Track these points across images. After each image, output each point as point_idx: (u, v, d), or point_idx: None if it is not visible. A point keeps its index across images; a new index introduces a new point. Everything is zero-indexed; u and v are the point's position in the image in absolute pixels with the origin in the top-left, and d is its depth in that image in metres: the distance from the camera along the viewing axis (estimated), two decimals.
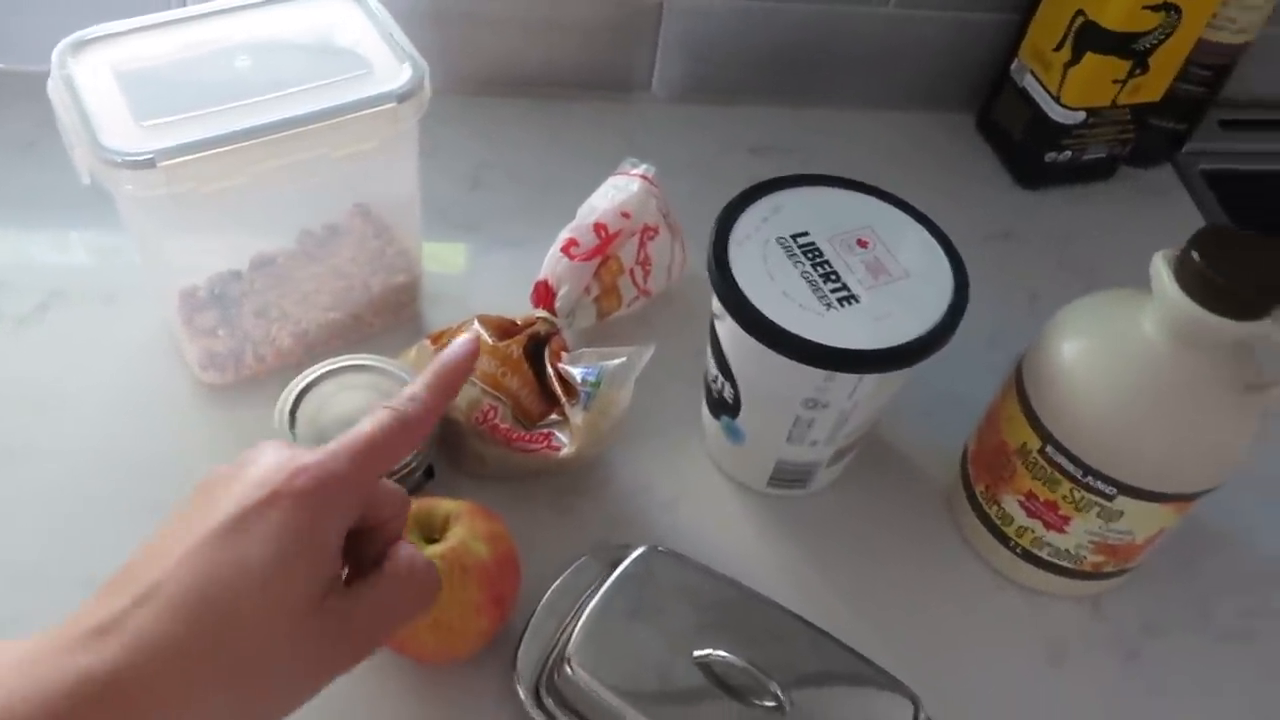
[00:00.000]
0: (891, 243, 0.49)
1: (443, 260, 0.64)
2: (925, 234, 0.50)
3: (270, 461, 0.32)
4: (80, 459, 0.52)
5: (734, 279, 0.46)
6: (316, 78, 0.48)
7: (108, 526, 0.50)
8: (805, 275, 0.47)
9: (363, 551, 0.34)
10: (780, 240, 0.48)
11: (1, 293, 0.58)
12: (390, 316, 0.59)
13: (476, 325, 0.53)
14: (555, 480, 0.53)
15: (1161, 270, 0.43)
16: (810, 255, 0.48)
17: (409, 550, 0.35)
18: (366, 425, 0.33)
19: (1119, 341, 0.45)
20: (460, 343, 0.37)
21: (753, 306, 0.45)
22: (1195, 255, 0.41)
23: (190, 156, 0.44)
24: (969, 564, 0.54)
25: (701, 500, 0.54)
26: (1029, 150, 0.73)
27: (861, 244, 0.49)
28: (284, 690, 0.31)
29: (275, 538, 0.30)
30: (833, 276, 0.47)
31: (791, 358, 0.45)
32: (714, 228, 0.48)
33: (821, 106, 0.79)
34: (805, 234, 0.49)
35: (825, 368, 0.45)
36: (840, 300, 0.46)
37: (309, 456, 0.32)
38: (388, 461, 0.34)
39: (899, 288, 0.47)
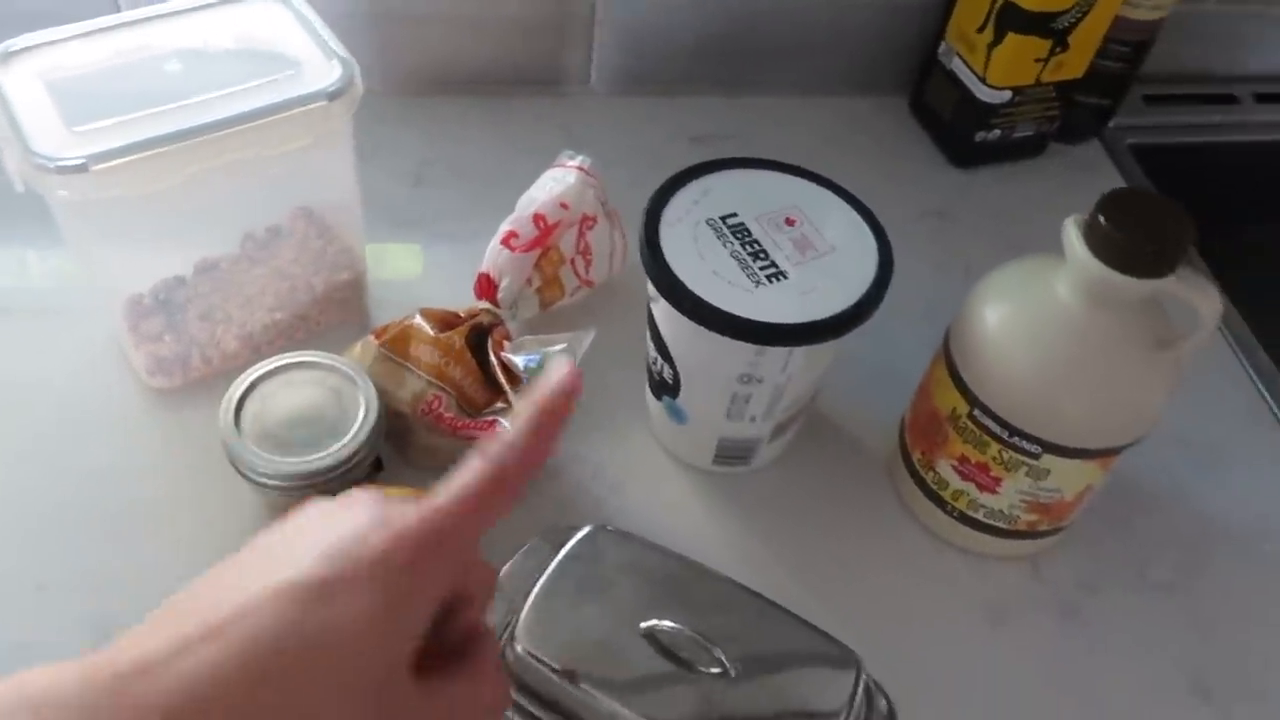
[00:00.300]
0: (818, 220, 0.50)
1: (388, 258, 0.65)
2: (851, 211, 0.51)
3: (364, 519, 0.29)
4: (31, 468, 0.52)
5: (665, 260, 0.47)
6: (247, 80, 0.48)
7: (60, 534, 0.51)
8: (734, 254, 0.48)
9: (444, 630, 0.31)
10: (710, 221, 0.50)
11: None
12: (336, 315, 0.60)
13: (419, 318, 0.54)
14: None
15: (1072, 234, 0.45)
16: (739, 235, 0.49)
17: (494, 647, 0.32)
18: (463, 480, 0.30)
19: (1037, 305, 0.47)
20: (557, 379, 0.31)
21: (684, 286, 0.47)
22: (1101, 219, 0.43)
23: (122, 160, 0.44)
24: (910, 530, 0.55)
25: (648, 481, 0.56)
26: (959, 130, 0.75)
27: (789, 222, 0.50)
28: None
29: (365, 614, 0.27)
30: (761, 255, 0.48)
31: (723, 334, 0.46)
32: (645, 212, 0.50)
33: (759, 94, 0.80)
34: (734, 215, 0.50)
35: (756, 343, 0.46)
36: (769, 277, 0.47)
37: (405, 519, 0.29)
38: (487, 523, 0.30)
39: (826, 263, 0.49)
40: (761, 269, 0.48)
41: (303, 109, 0.48)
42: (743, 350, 0.47)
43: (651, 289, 0.49)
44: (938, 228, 0.73)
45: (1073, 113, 0.76)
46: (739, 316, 0.46)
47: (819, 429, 0.59)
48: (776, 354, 0.47)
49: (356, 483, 0.49)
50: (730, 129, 0.77)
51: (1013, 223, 0.74)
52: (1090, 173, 0.79)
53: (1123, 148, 0.81)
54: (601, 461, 0.56)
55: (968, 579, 0.54)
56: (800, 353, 0.47)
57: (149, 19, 0.51)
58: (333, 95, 0.49)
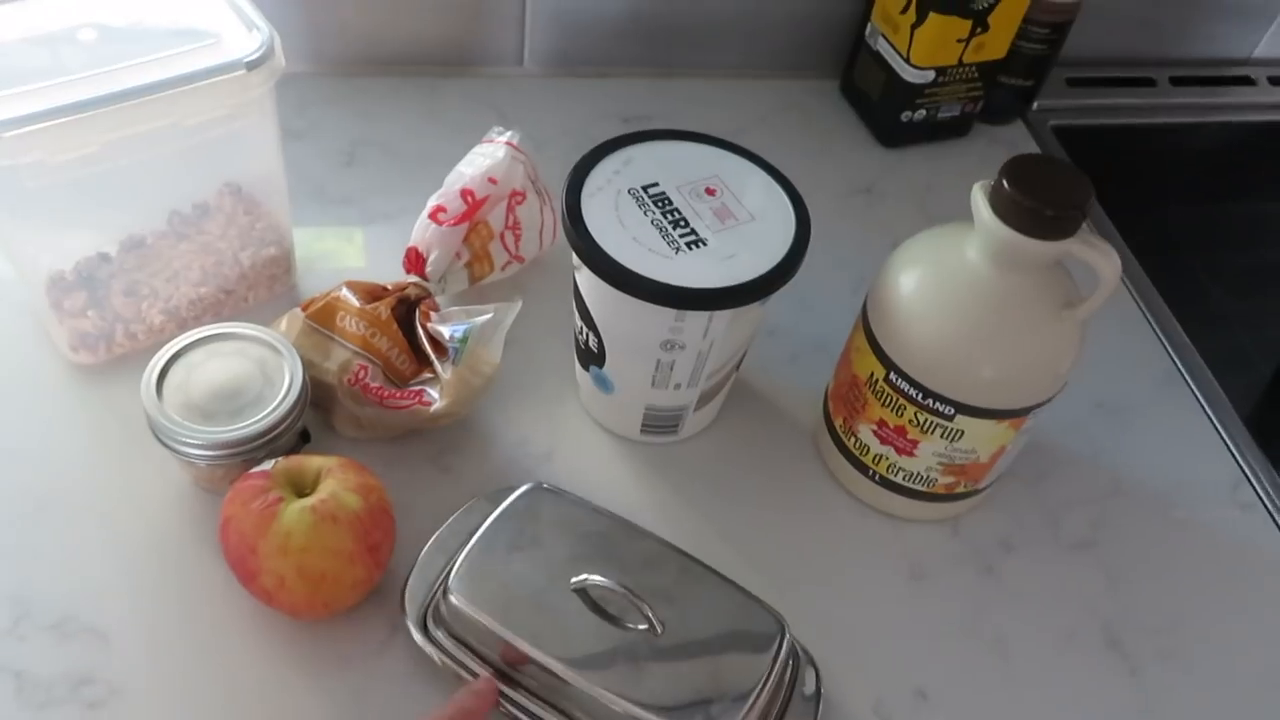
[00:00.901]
0: (738, 190, 0.51)
1: (318, 236, 0.64)
2: (770, 181, 0.52)
3: None
4: None
5: (586, 228, 0.48)
6: (164, 50, 0.48)
7: None
8: (655, 222, 0.49)
9: None
10: (631, 191, 0.50)
11: None
12: (264, 290, 0.60)
13: (344, 290, 0.54)
14: (433, 439, 0.54)
15: (978, 199, 0.46)
16: (660, 204, 0.50)
17: None
18: None
19: (948, 270, 0.48)
20: (476, 686, 0.43)
21: (605, 253, 0.47)
22: (1005, 183, 0.44)
23: (35, 127, 0.44)
24: (835, 497, 0.57)
25: (578, 451, 0.56)
26: (886, 110, 0.77)
27: (709, 192, 0.51)
28: None
29: None
30: (682, 223, 0.49)
31: (644, 299, 0.47)
32: (567, 180, 0.50)
33: (692, 76, 0.81)
34: (655, 184, 0.51)
35: (676, 307, 0.47)
36: (689, 244, 0.48)
37: None
38: None
39: (745, 230, 0.50)
40: (681, 236, 0.49)
41: (221, 78, 0.48)
42: (664, 315, 0.48)
43: (575, 258, 0.50)
44: (865, 204, 0.74)
45: (996, 93, 0.78)
46: (659, 282, 0.46)
47: (747, 400, 0.60)
48: (697, 319, 0.48)
49: (284, 452, 0.49)
50: (662, 109, 0.78)
51: (939, 198, 0.75)
52: (1014, 152, 0.80)
53: (1046, 129, 0.83)
54: (530, 430, 0.57)
55: (890, 541, 0.55)
56: (721, 317, 0.48)
57: None
58: (251, 65, 0.49)
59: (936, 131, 0.78)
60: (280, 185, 0.57)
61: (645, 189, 0.50)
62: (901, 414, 0.50)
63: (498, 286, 0.62)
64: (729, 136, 0.54)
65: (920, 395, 0.49)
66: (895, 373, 0.49)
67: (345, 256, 0.64)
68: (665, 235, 0.48)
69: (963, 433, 0.49)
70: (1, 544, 0.49)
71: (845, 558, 0.54)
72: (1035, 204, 0.44)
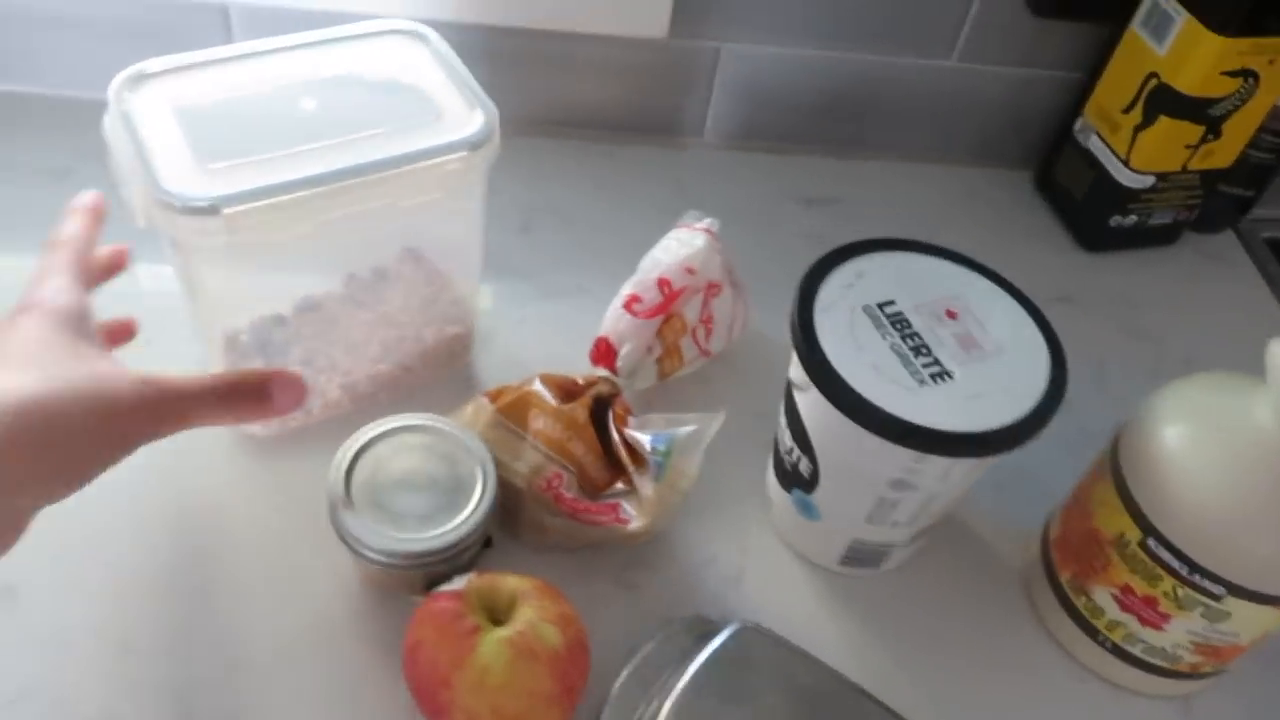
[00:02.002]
0: (982, 314, 0.47)
1: (493, 309, 0.61)
2: (1015, 305, 0.48)
3: None
4: (115, 513, 0.49)
5: (821, 350, 0.44)
6: (384, 122, 0.45)
7: (147, 584, 0.47)
8: (895, 348, 0.44)
9: None
10: (866, 308, 0.46)
11: None
12: (442, 369, 0.56)
13: (539, 384, 0.51)
14: (617, 553, 0.50)
15: (1279, 358, 0.41)
16: (899, 326, 0.45)
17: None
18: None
19: (1231, 430, 0.42)
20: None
21: (842, 379, 0.43)
22: None
23: (255, 204, 0.41)
24: (1048, 653, 0.51)
25: (768, 576, 0.52)
26: (1092, 212, 0.71)
27: (950, 315, 0.46)
28: None
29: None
30: (924, 350, 0.45)
31: (882, 436, 0.42)
32: (797, 294, 0.46)
33: (875, 158, 0.77)
34: (892, 302, 0.46)
35: (919, 449, 0.42)
36: (933, 376, 0.44)
37: None
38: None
39: (992, 364, 0.45)
40: (925, 366, 0.44)
41: (443, 159, 0.45)
42: (901, 455, 0.43)
43: (799, 376, 0.45)
44: (1064, 314, 0.67)
45: (1212, 201, 0.72)
46: (902, 419, 0.42)
47: (948, 532, 0.54)
48: (938, 463, 0.43)
49: (466, 564, 0.46)
50: (843, 193, 0.74)
51: (1145, 314, 0.69)
52: (1223, 264, 0.75)
53: (1258, 240, 0.77)
54: (717, 549, 0.52)
55: (1114, 716, 0.49)
56: (964, 463, 0.43)
57: (282, 49, 0.48)
58: (474, 145, 0.45)
59: (1143, 238, 0.73)
60: (474, 263, 0.54)
61: (881, 307, 0.46)
62: (1156, 585, 0.44)
63: (683, 382, 0.57)
64: (914, 226, 0.50)
65: (1185, 569, 0.43)
66: (1156, 539, 0.44)
67: (518, 333, 0.60)
68: (907, 364, 0.44)
69: (1229, 615, 0.43)
70: (164, 627, 0.46)
71: None
72: None
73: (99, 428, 0.35)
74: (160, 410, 0.38)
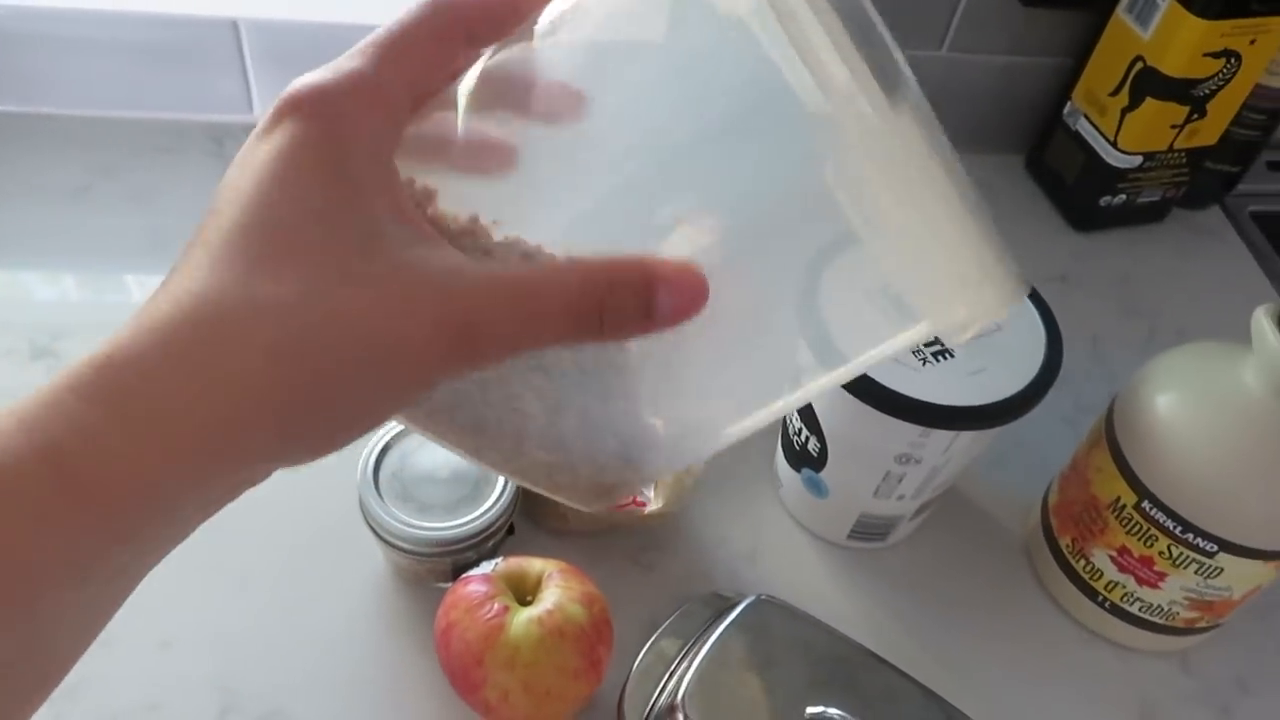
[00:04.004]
0: None
1: None
2: None
3: None
4: None
5: None
6: None
7: (185, 580, 0.49)
8: None
9: None
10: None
11: (65, 340, 0.57)
12: None
13: None
14: (634, 535, 0.52)
15: (1264, 326, 0.43)
16: None
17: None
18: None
19: (1219, 396, 0.45)
20: None
21: None
22: None
23: None
24: (1051, 617, 0.53)
25: (780, 552, 0.54)
26: (1083, 193, 0.73)
27: None
28: None
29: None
30: None
31: (887, 413, 0.44)
32: None
33: None
34: None
35: (922, 424, 0.44)
36: (935, 355, 0.46)
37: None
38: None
39: (991, 341, 0.47)
40: (927, 346, 0.46)
41: None
42: (907, 431, 0.45)
43: None
44: (1061, 293, 0.71)
45: (1199, 178, 0.74)
46: (906, 396, 0.44)
47: (951, 504, 0.56)
48: (942, 436, 0.45)
49: (490, 550, 0.48)
50: None
51: (1138, 289, 0.71)
52: (1213, 239, 0.77)
53: (1244, 215, 0.79)
54: (729, 528, 0.54)
55: (1116, 674, 0.51)
56: (966, 436, 0.45)
57: None
58: None
59: (1133, 216, 0.74)
60: None
61: None
62: (1151, 545, 0.46)
63: None
64: None
65: (1179, 528, 0.45)
66: (1150, 501, 0.46)
67: None
68: None
69: (1221, 570, 0.46)
70: (207, 623, 0.48)
71: (1069, 687, 0.51)
72: None
73: (393, 373, 0.22)
74: (517, 334, 0.23)
